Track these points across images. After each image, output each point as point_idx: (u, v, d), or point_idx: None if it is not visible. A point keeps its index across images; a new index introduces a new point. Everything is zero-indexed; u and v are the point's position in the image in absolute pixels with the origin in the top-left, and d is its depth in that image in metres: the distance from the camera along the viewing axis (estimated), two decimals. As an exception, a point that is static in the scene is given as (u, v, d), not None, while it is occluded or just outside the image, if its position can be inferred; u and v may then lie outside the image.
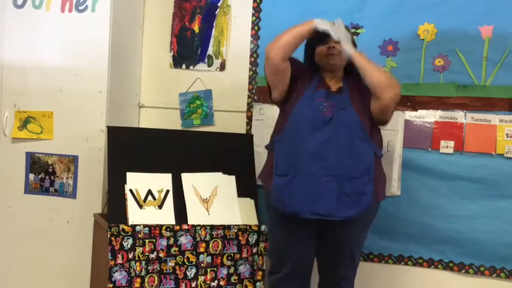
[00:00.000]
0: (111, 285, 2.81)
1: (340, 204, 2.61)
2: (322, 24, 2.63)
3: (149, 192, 2.98)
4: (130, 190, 2.95)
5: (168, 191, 3.00)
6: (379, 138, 2.79)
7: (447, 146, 3.12)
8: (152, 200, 2.97)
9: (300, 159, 2.64)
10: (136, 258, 2.84)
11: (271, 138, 2.84)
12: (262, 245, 3.04)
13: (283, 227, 2.78)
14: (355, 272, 2.84)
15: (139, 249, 2.84)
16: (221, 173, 3.09)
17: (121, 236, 2.82)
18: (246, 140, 3.27)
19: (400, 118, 3.19)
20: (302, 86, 2.76)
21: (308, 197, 2.62)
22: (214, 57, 3.54)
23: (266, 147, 2.86)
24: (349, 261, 2.79)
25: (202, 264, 2.93)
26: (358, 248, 2.81)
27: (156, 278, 2.87)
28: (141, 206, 2.94)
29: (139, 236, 2.84)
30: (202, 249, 2.94)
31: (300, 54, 2.83)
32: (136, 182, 2.98)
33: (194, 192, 3.04)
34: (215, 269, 2.96)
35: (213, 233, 2.95)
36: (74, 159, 3.26)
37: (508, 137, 3.04)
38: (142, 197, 2.96)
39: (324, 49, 2.74)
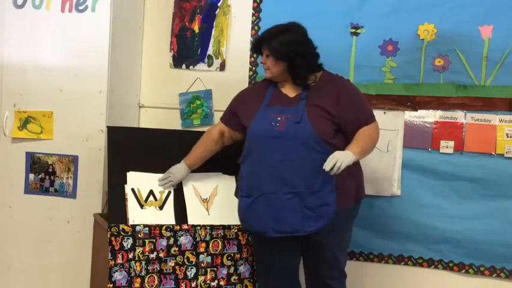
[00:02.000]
0: (111, 285, 2.81)
1: (305, 219, 2.61)
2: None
3: (151, 192, 2.98)
4: (132, 190, 2.94)
5: (169, 192, 3.00)
6: (345, 143, 2.68)
7: (447, 146, 3.12)
8: (153, 200, 2.97)
9: (260, 178, 2.65)
10: (136, 258, 2.84)
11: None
12: (262, 245, 3.04)
13: (260, 242, 2.80)
14: (343, 271, 2.83)
15: (139, 249, 2.84)
16: (221, 173, 3.09)
17: (121, 236, 2.82)
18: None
19: (400, 118, 3.19)
20: (253, 108, 2.75)
21: (271, 216, 2.63)
22: (214, 57, 3.54)
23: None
24: (333, 262, 2.77)
25: (202, 264, 2.93)
26: (340, 249, 2.79)
27: (156, 278, 2.87)
28: (142, 206, 2.94)
29: (139, 236, 2.84)
30: (202, 249, 2.93)
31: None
32: (137, 182, 2.98)
33: (194, 192, 3.04)
34: (215, 269, 2.96)
35: (213, 233, 2.95)
36: (74, 159, 3.26)
37: (508, 137, 3.04)
38: (144, 197, 2.96)
39: None
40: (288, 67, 2.69)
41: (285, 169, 2.61)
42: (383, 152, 3.16)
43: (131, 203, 2.92)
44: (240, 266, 2.99)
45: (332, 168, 2.52)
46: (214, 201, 3.05)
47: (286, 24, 2.73)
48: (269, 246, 2.75)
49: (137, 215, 2.90)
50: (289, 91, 2.75)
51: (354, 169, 2.69)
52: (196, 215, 2.98)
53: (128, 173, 2.97)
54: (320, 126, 2.63)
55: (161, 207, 2.96)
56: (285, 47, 2.66)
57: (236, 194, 2.90)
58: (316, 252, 2.74)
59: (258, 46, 2.77)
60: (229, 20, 3.52)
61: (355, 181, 2.76)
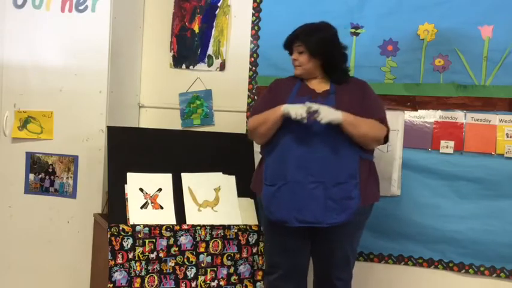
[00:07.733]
0: (111, 285, 2.81)
1: (328, 211, 2.61)
2: (287, 109, 2.62)
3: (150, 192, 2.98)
4: (133, 190, 2.94)
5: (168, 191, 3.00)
6: None
7: (447, 146, 3.12)
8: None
9: (286, 168, 2.64)
10: (136, 258, 2.84)
11: (261, 147, 2.84)
12: (262, 244, 3.03)
13: (275, 234, 2.79)
14: (351, 273, 2.83)
15: (139, 249, 2.84)
16: (221, 173, 3.09)
17: (121, 236, 2.82)
18: (246, 140, 3.26)
19: (400, 118, 3.19)
20: (280, 99, 2.73)
21: (295, 205, 2.62)
22: (214, 57, 3.54)
23: (260, 153, 2.86)
24: (343, 262, 2.78)
25: (202, 264, 2.93)
26: (352, 249, 2.80)
27: (156, 278, 2.87)
28: (142, 206, 2.94)
29: (139, 236, 2.84)
30: (202, 249, 2.94)
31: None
32: (137, 182, 2.98)
33: (192, 192, 3.03)
34: (215, 269, 2.96)
35: (213, 233, 2.95)
36: (74, 159, 3.26)
37: (508, 137, 3.03)
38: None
39: (292, 59, 2.78)
40: (324, 64, 2.74)
41: (311, 158, 2.61)
42: (383, 152, 3.15)
43: (131, 203, 2.92)
44: (240, 266, 3.00)
45: (310, 113, 2.53)
46: (215, 201, 3.06)
47: (318, 24, 2.77)
48: (285, 242, 2.75)
49: (137, 216, 2.90)
50: (317, 87, 2.77)
51: (375, 171, 2.75)
52: (196, 215, 2.98)
53: (128, 173, 2.98)
54: None
55: (161, 206, 2.96)
56: (322, 44, 2.72)
57: (252, 187, 2.89)
58: (328, 250, 2.74)
59: (290, 43, 2.77)
60: (229, 20, 3.52)
61: (375, 182, 2.79)
